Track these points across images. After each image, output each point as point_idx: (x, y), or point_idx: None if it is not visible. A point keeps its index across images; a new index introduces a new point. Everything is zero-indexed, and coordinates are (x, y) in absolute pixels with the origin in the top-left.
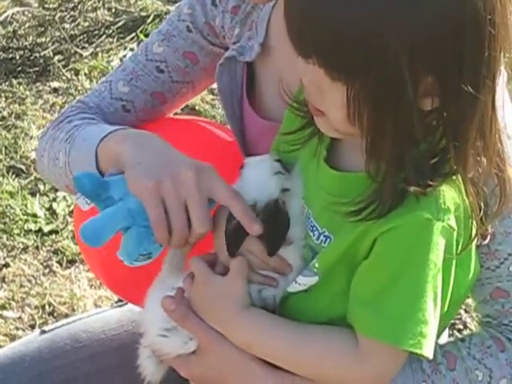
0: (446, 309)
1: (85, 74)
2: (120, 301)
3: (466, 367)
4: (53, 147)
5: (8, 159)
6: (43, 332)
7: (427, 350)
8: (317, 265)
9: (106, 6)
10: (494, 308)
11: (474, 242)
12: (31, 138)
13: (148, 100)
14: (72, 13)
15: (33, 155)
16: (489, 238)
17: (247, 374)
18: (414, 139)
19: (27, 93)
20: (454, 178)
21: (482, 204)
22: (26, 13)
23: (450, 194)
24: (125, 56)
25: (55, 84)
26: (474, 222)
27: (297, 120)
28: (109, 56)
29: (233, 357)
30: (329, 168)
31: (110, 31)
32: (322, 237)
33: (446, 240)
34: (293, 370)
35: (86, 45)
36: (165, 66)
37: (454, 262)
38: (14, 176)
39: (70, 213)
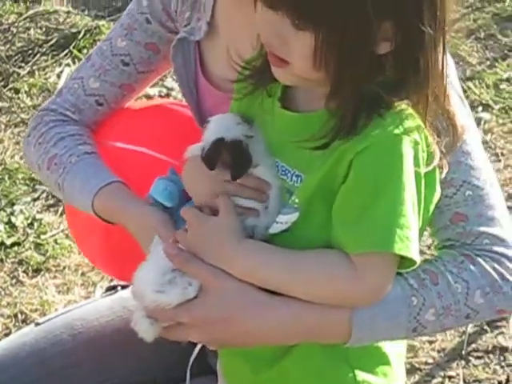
0: (420, 224)
1: (25, 92)
2: (108, 290)
3: (447, 281)
4: (42, 160)
5: None
6: (37, 324)
7: (414, 254)
8: (297, 200)
9: (38, 25)
10: (456, 231)
11: (438, 168)
12: None
13: (118, 92)
14: (5, 34)
15: None
16: (445, 169)
17: (252, 302)
18: (372, 77)
19: None
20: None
21: (436, 135)
22: None
23: (410, 114)
24: (61, 72)
25: None
26: (434, 142)
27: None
28: (45, 73)
29: (236, 288)
30: (288, 112)
31: (44, 49)
32: (293, 177)
33: (414, 153)
34: (294, 294)
35: (23, 64)
36: (129, 59)
37: (422, 177)
38: None
39: (29, 225)
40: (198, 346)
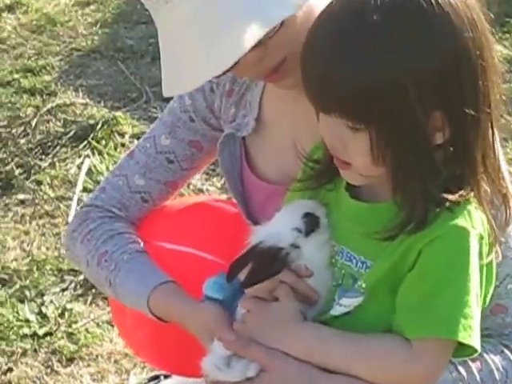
0: None
1: (47, 184)
2: (152, 380)
3: (490, 369)
4: (90, 262)
5: None
6: None
7: (476, 343)
8: (364, 285)
9: (56, 117)
10: (496, 322)
11: (495, 257)
12: (8, 249)
13: (163, 189)
14: (25, 127)
15: (13, 265)
16: (499, 257)
17: (310, 380)
18: (434, 169)
19: None
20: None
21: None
22: None
23: (475, 209)
24: (82, 163)
25: (21, 196)
26: (493, 235)
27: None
28: (66, 165)
29: (295, 368)
30: (357, 202)
31: (63, 141)
32: (359, 263)
33: (479, 246)
34: (350, 373)
35: (43, 156)
36: (174, 157)
37: (484, 269)
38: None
39: (60, 315)
40: None
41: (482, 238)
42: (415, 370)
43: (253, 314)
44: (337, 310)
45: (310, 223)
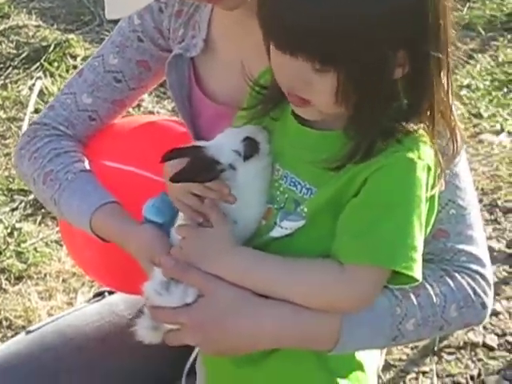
0: None
1: None
2: (96, 296)
3: (427, 293)
4: (36, 181)
5: None
6: (28, 332)
7: (417, 273)
8: (306, 209)
9: (9, 39)
10: (438, 246)
11: (438, 188)
12: None
13: (110, 107)
14: None
15: None
16: (442, 187)
17: (247, 305)
18: (389, 104)
19: None
20: (421, 130)
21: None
22: None
23: (424, 143)
24: (33, 85)
25: None
26: (439, 169)
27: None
28: (18, 86)
29: (232, 292)
30: (306, 128)
31: (15, 63)
32: (304, 189)
33: (426, 178)
34: (285, 297)
35: None
36: (122, 76)
37: (427, 201)
38: None
39: (9, 234)
40: (194, 354)
41: (429, 169)
42: (348, 295)
43: (188, 240)
44: (277, 232)
45: (250, 147)
